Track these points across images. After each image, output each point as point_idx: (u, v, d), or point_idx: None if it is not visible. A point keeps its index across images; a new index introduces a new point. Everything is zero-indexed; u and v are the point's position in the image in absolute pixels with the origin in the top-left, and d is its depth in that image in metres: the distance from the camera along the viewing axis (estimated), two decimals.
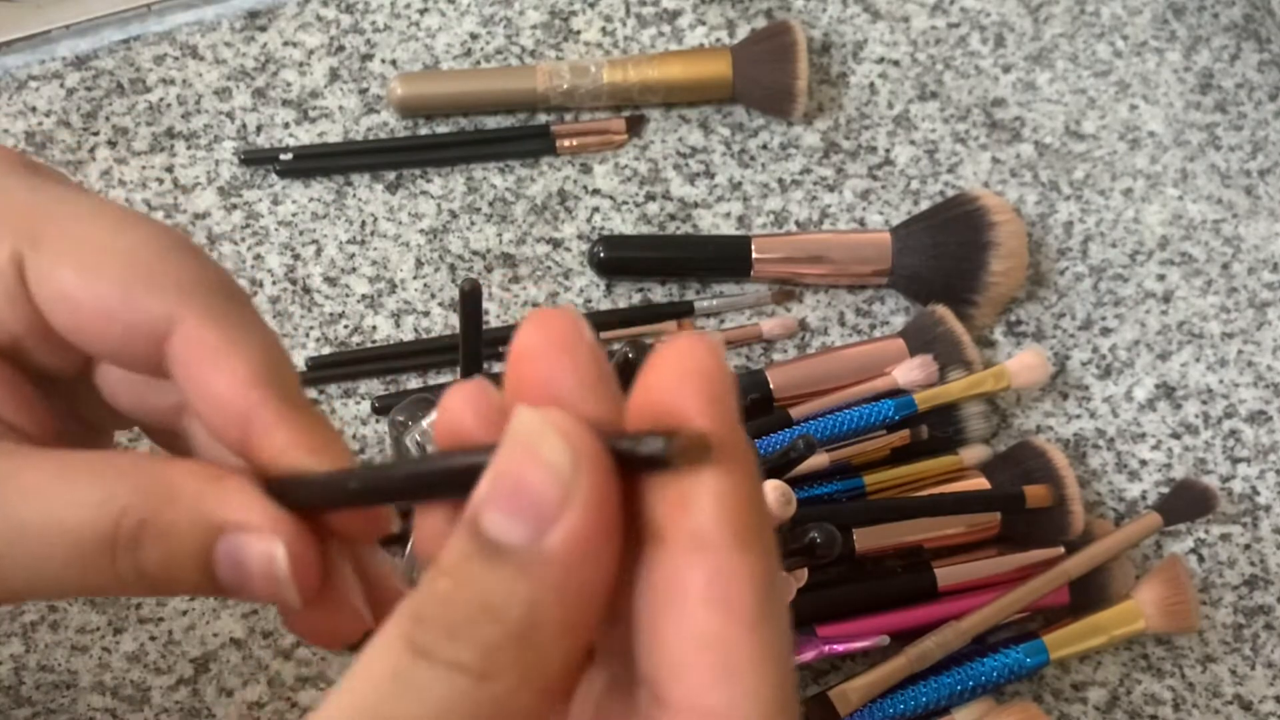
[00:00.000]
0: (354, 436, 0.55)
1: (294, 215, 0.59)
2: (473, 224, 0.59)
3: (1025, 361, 0.55)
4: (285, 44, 0.62)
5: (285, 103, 0.61)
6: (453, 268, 0.58)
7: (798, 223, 0.60)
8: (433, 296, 0.58)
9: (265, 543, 0.30)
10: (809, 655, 0.50)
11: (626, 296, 0.58)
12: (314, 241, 0.58)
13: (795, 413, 0.54)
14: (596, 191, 0.60)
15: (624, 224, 0.59)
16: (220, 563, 0.30)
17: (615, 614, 0.25)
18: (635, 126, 0.61)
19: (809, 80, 0.60)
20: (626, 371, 0.39)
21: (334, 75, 0.61)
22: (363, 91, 0.61)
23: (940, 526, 0.53)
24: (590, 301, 0.58)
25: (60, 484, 0.30)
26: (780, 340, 0.58)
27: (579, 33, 0.63)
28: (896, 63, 0.63)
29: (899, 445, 0.54)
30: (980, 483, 0.54)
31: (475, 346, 0.44)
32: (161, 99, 0.60)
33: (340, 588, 0.32)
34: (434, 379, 0.57)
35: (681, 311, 0.58)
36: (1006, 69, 0.63)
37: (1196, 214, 0.61)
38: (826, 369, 0.56)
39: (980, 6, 0.64)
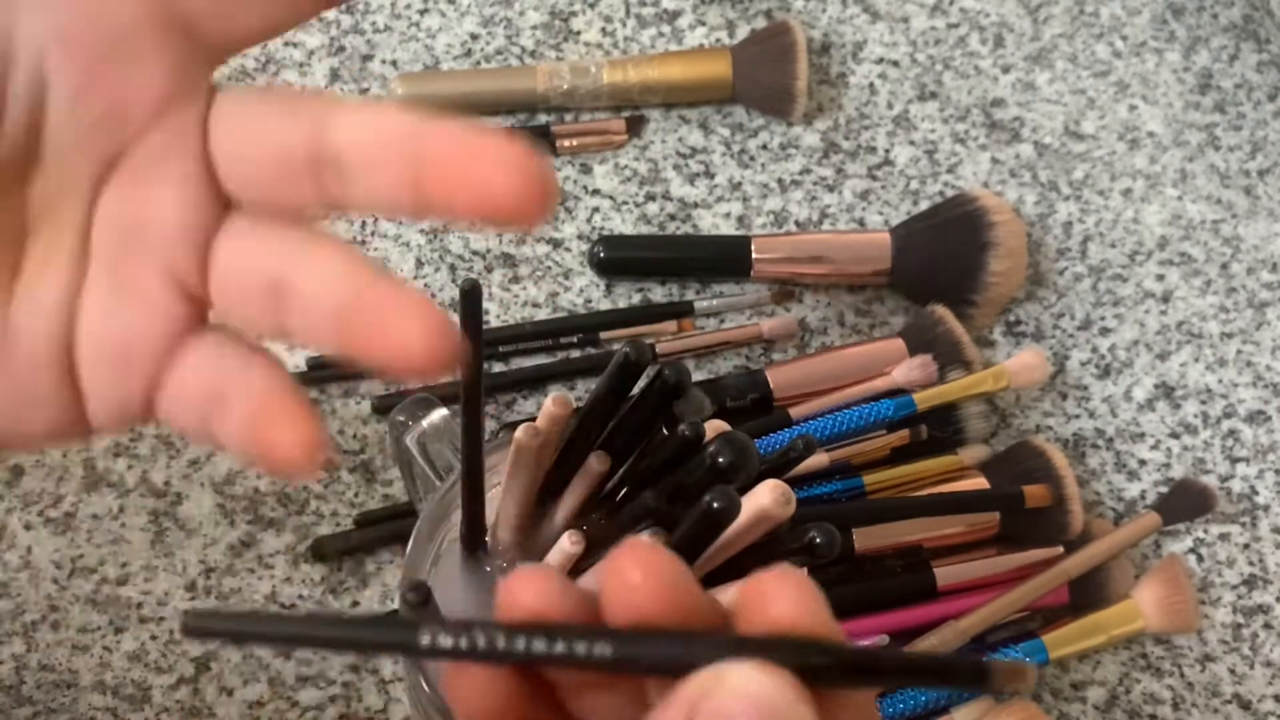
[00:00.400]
0: (354, 436, 0.55)
1: None
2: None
3: (1024, 361, 0.55)
4: (285, 44, 0.62)
5: None
6: (453, 268, 0.58)
7: (797, 223, 0.60)
8: (433, 296, 0.58)
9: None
10: None
11: (626, 296, 0.59)
12: None
13: (795, 413, 0.54)
14: (596, 192, 0.60)
15: (624, 224, 0.59)
16: None
17: None
18: (635, 127, 0.61)
19: (809, 80, 0.60)
20: (626, 371, 0.39)
21: (334, 75, 0.61)
22: (363, 92, 0.61)
23: (939, 526, 0.53)
24: (590, 301, 0.58)
25: None
26: (780, 340, 0.58)
27: (579, 33, 0.63)
28: (896, 63, 0.63)
29: (898, 445, 0.54)
30: (979, 482, 0.54)
31: (475, 347, 0.44)
32: None
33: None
34: (434, 379, 0.57)
35: (681, 311, 0.58)
36: (1006, 69, 0.63)
37: (1196, 214, 0.61)
38: (826, 369, 0.56)
39: (980, 7, 0.64)
